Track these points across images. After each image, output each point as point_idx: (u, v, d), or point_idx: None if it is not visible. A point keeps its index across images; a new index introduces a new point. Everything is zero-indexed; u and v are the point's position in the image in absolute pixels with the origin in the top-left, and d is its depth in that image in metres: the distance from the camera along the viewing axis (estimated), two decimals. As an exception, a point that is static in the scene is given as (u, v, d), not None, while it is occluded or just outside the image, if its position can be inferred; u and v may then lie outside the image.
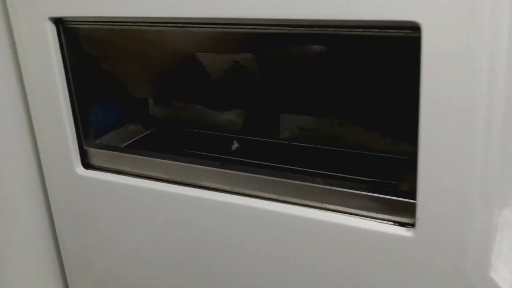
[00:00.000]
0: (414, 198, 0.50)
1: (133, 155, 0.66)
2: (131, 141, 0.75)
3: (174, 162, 0.62)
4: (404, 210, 0.51)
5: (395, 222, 0.52)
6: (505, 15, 0.38)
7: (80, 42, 0.63)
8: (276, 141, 0.77)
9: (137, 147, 0.75)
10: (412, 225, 0.51)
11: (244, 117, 0.78)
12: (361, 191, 0.53)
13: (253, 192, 0.58)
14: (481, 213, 0.45)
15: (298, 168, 0.71)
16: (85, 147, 0.68)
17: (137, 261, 0.69)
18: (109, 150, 0.67)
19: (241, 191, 0.59)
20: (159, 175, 0.64)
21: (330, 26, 0.45)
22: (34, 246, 0.74)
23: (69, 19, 0.59)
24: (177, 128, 0.83)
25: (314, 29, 0.46)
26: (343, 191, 0.53)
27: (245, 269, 0.60)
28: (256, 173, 0.57)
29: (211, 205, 0.59)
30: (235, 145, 0.81)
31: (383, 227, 0.52)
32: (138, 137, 0.77)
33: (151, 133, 0.80)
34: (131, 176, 0.65)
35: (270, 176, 0.57)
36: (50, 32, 0.59)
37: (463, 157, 0.43)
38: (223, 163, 0.60)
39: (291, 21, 0.46)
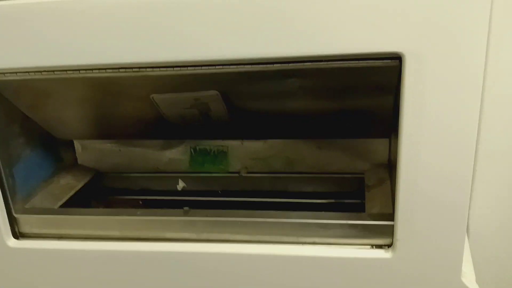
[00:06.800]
0: (388, 219, 0.51)
1: (77, 216, 0.58)
2: (67, 198, 0.66)
3: (131, 217, 0.56)
4: (380, 233, 0.52)
5: (372, 246, 0.53)
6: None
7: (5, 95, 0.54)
8: (225, 174, 0.74)
9: (75, 204, 0.66)
10: (389, 246, 0.52)
11: (191, 152, 0.74)
12: (337, 220, 0.53)
13: (224, 237, 0.55)
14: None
15: (257, 199, 0.69)
16: (15, 215, 0.58)
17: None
18: (47, 214, 0.58)
19: (210, 237, 0.55)
20: (111, 233, 0.57)
21: (309, 61, 0.44)
22: None
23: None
24: (113, 175, 0.76)
25: (291, 64, 0.44)
26: (319, 223, 0.53)
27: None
28: (227, 216, 0.54)
29: (181, 258, 0.54)
30: (181, 185, 0.76)
31: (362, 253, 0.52)
32: (73, 192, 0.68)
33: (86, 185, 0.72)
34: (77, 240, 0.58)
35: (241, 217, 0.54)
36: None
37: (451, 175, 0.45)
38: (187, 212, 0.56)
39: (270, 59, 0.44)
